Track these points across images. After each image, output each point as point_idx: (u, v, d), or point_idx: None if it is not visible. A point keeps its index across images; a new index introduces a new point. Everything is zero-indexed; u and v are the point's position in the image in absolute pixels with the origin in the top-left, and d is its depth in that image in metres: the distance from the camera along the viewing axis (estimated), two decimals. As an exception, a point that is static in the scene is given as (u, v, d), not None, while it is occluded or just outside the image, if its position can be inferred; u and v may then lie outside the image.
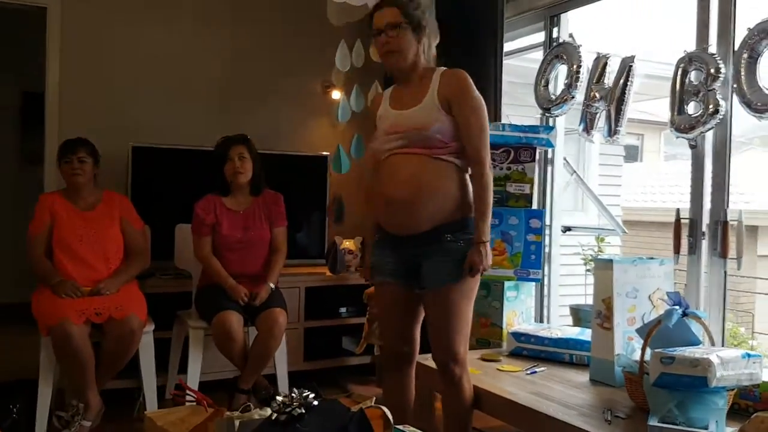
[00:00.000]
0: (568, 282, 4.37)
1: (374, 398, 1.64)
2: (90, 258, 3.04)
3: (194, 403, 1.84)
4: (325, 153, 4.12)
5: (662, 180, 9.86)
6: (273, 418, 1.51)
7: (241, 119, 4.01)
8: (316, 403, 1.52)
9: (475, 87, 2.24)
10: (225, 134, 3.37)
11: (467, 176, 2.26)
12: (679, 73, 2.66)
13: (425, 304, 2.28)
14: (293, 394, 1.52)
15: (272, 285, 3.23)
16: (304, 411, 1.49)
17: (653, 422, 1.86)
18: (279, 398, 1.52)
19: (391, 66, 2.29)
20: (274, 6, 4.20)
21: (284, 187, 3.54)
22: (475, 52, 3.55)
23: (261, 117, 4.13)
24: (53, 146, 3.61)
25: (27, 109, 5.47)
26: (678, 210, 2.77)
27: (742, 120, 2.65)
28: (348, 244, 4.01)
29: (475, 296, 2.28)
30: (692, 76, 2.64)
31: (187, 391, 1.75)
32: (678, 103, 2.66)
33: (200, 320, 3.16)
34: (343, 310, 3.97)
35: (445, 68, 2.29)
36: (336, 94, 4.21)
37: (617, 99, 2.95)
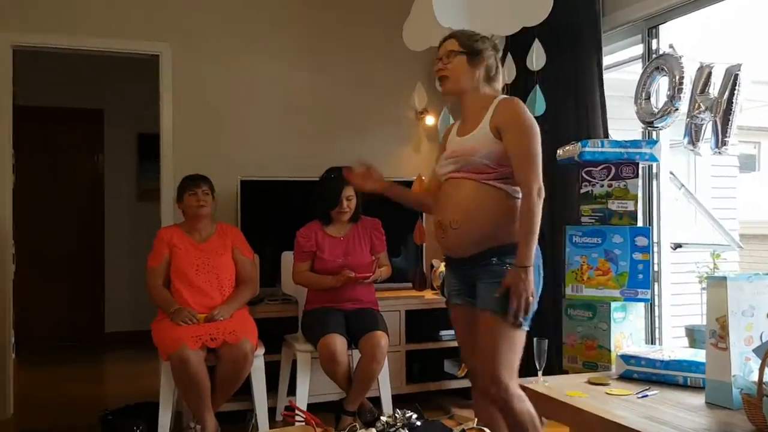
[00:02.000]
0: (682, 302, 4.16)
1: (476, 420, 1.64)
2: (205, 286, 3.24)
3: (303, 423, 1.91)
4: (423, 177, 4.17)
5: (783, 190, 9.24)
6: (377, 437, 1.55)
7: (338, 148, 4.18)
8: (418, 423, 1.55)
9: (528, 114, 2.27)
10: (325, 163, 3.50)
11: (517, 202, 2.27)
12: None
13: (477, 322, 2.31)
14: (396, 415, 1.56)
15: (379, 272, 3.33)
16: (407, 431, 1.52)
17: (777, 448, 1.75)
18: (383, 418, 1.56)
19: (443, 90, 2.42)
20: (369, 36, 4.36)
21: (380, 212, 3.63)
22: (573, 67, 3.52)
23: (357, 144, 4.28)
24: (168, 183, 3.91)
25: (142, 149, 5.91)
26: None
27: None
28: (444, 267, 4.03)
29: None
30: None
31: (297, 412, 1.82)
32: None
33: (306, 344, 3.27)
34: (443, 332, 3.97)
35: (505, 96, 2.37)
36: (430, 120, 4.27)
37: (724, 110, 2.82)
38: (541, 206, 2.21)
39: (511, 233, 2.25)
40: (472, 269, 2.30)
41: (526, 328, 2.26)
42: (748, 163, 11.08)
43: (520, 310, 2.15)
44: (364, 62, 4.36)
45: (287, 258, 3.61)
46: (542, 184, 2.23)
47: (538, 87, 3.46)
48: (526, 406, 2.28)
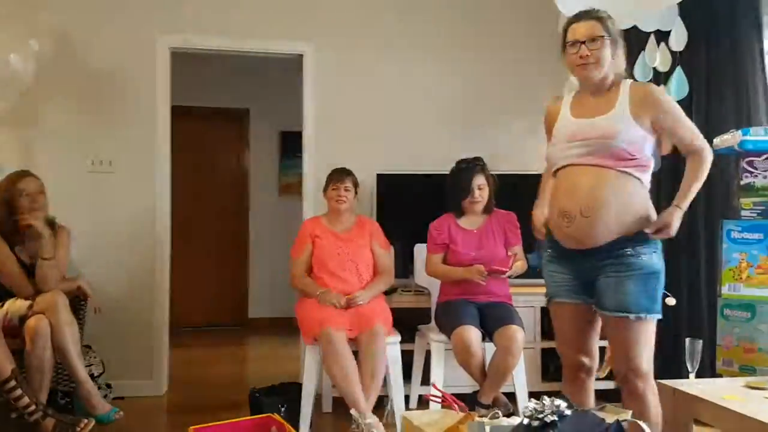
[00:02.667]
0: None
1: (631, 413, 1.58)
2: (345, 274, 3.38)
3: (441, 407, 1.93)
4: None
5: None
6: (525, 423, 1.53)
7: (476, 141, 4.16)
8: (568, 412, 1.52)
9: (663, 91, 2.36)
10: (459, 157, 3.50)
11: (648, 192, 2.25)
12: None
13: (603, 320, 2.26)
14: (544, 402, 1.54)
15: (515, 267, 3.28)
16: (556, 418, 1.49)
17: None
18: (531, 405, 1.55)
19: (585, 77, 2.30)
20: (506, 24, 4.32)
21: (518, 205, 3.56)
22: (733, 52, 3.29)
23: (494, 139, 4.25)
24: (310, 178, 4.08)
25: (284, 146, 6.21)
26: None
27: None
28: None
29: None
30: None
31: (440, 394, 1.85)
32: None
33: (440, 334, 3.29)
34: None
35: (632, 80, 2.32)
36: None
37: None
38: (711, 156, 2.26)
39: (643, 223, 2.19)
40: (598, 262, 2.21)
41: (659, 316, 2.21)
42: None
43: (659, 234, 2.17)
44: (500, 55, 4.31)
45: (420, 250, 3.66)
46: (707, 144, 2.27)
47: (679, 68, 3.27)
48: (657, 400, 2.24)
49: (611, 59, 2.26)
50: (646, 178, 2.24)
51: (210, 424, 2.01)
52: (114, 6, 3.96)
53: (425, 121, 4.25)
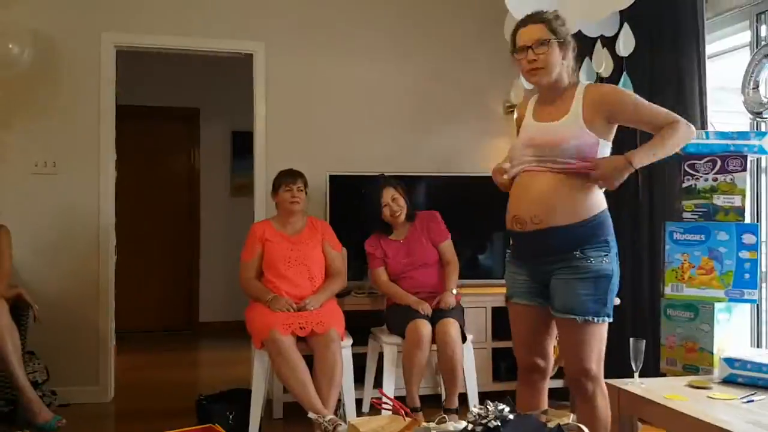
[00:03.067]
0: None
1: (572, 416, 1.59)
2: (296, 278, 3.33)
3: (391, 412, 1.92)
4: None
5: None
6: (469, 429, 1.53)
7: (424, 143, 4.17)
8: (511, 416, 1.52)
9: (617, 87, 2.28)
10: (411, 157, 3.52)
11: (601, 194, 2.22)
12: None
13: (556, 322, 2.26)
14: (488, 407, 1.53)
15: (453, 291, 3.35)
16: (499, 424, 1.49)
17: None
18: (474, 410, 1.54)
19: (535, 83, 2.29)
20: (456, 26, 4.33)
21: (465, 207, 3.59)
22: (674, 56, 3.36)
23: (444, 140, 4.27)
24: (261, 178, 4.02)
25: (236, 146, 6.11)
26: None
27: None
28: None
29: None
30: None
31: (386, 400, 1.83)
32: None
33: (393, 336, 3.29)
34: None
35: (588, 83, 2.28)
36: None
37: (842, 96, 2.62)
38: (689, 132, 2.19)
39: (594, 228, 2.18)
40: (550, 265, 2.21)
41: (609, 320, 2.21)
42: None
43: (596, 180, 2.13)
44: (451, 57, 4.32)
45: (374, 252, 3.64)
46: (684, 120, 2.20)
47: (625, 74, 3.34)
48: (606, 402, 2.25)
49: (562, 61, 2.23)
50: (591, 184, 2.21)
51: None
52: (57, 1, 3.83)
53: (377, 122, 4.23)
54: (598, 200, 2.21)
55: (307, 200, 3.49)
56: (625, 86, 3.34)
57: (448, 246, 3.49)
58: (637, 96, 2.24)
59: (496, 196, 4.00)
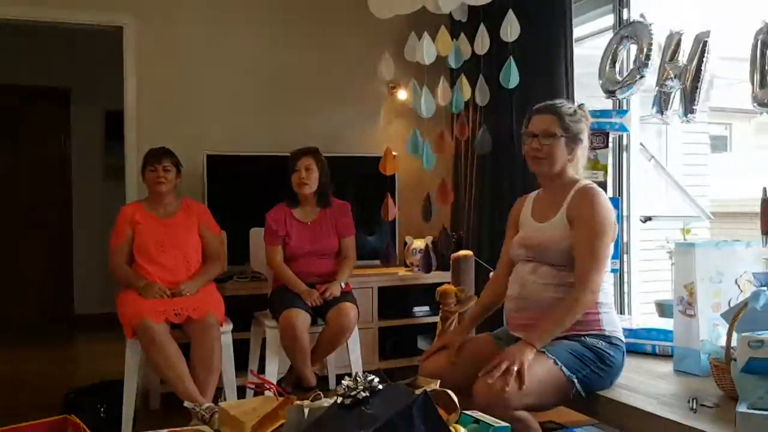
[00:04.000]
0: (652, 277, 4.18)
1: (438, 381, 1.61)
2: (170, 263, 3.17)
3: (267, 393, 1.87)
4: (394, 153, 4.10)
5: (754, 169, 9.33)
6: (339, 401, 1.51)
7: (309, 124, 4.11)
8: (380, 387, 1.51)
9: (604, 209, 2.16)
10: (293, 138, 3.44)
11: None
12: (759, 44, 2.50)
13: None
14: (357, 379, 1.52)
15: (342, 284, 3.27)
16: (368, 394, 1.48)
17: (742, 409, 1.74)
18: (344, 382, 1.52)
19: (536, 170, 2.29)
20: (339, 6, 4.26)
21: (352, 189, 3.58)
22: (544, 39, 3.49)
23: (329, 121, 4.21)
24: (132, 160, 3.81)
25: (109, 127, 5.75)
26: (765, 188, 2.60)
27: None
28: (418, 243, 4.02)
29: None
30: (773, 46, 2.47)
31: (258, 380, 1.78)
32: (759, 76, 2.49)
33: (274, 320, 3.22)
34: (416, 309, 3.95)
35: (583, 184, 2.24)
36: (402, 94, 4.22)
37: (692, 77, 2.80)
38: (587, 307, 2.11)
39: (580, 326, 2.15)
40: None
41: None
42: (719, 144, 11.19)
43: (498, 371, 1.98)
44: (334, 35, 4.27)
45: (256, 234, 3.55)
46: (599, 286, 2.12)
47: (511, 59, 3.42)
48: None
49: (567, 157, 2.23)
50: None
51: (-4, 430, 1.79)
52: None
53: (256, 101, 4.11)
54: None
55: (179, 181, 3.30)
56: (512, 72, 3.42)
57: (350, 242, 3.42)
58: (603, 226, 2.14)
59: (380, 176, 4.08)
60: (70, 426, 1.72)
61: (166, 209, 3.27)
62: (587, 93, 4.01)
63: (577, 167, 2.28)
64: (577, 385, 2.07)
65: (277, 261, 3.32)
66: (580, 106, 2.33)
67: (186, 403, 2.64)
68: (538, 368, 2.02)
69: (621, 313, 3.36)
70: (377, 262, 4.11)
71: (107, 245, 3.27)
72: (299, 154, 3.34)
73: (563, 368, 2.05)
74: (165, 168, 3.21)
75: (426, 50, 3.54)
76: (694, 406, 1.94)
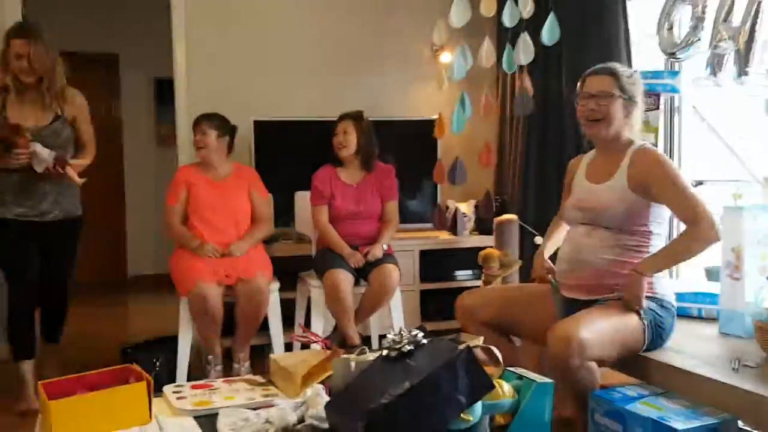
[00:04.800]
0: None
1: (482, 338, 1.65)
2: (221, 224, 3.28)
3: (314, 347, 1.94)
4: (432, 117, 4.09)
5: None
6: (384, 354, 1.56)
7: (352, 87, 4.14)
8: (425, 341, 1.56)
9: (667, 160, 2.19)
10: (338, 103, 3.48)
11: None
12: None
13: None
14: (402, 333, 1.57)
15: (384, 246, 3.33)
16: (413, 348, 1.53)
17: (786, 369, 1.74)
18: (390, 336, 1.58)
19: (593, 134, 2.28)
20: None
21: (394, 152, 3.60)
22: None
23: (372, 84, 4.22)
24: (183, 127, 3.90)
25: (160, 93, 5.88)
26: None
27: None
28: (463, 207, 4.03)
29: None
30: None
31: (305, 334, 1.85)
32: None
33: (318, 280, 3.31)
34: (458, 272, 3.98)
35: (640, 145, 2.24)
36: (446, 57, 4.19)
37: (747, 38, 2.73)
38: (707, 240, 2.11)
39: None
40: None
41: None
42: (776, 108, 10.75)
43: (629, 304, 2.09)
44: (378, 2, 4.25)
45: (300, 198, 3.62)
46: (713, 218, 2.11)
47: (552, 14, 3.36)
48: None
49: (624, 119, 2.22)
50: (647, 242, 2.20)
51: (62, 377, 1.92)
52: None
53: (302, 67, 4.15)
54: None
55: (225, 145, 3.38)
56: (551, 26, 3.37)
57: (393, 206, 3.46)
58: (679, 176, 2.16)
59: (424, 141, 4.08)
60: (133, 374, 1.83)
61: (218, 172, 3.36)
62: (638, 51, 3.92)
63: (633, 130, 2.27)
64: (646, 333, 2.10)
65: (323, 221, 3.37)
66: (635, 71, 2.31)
67: (210, 357, 2.83)
68: (615, 317, 2.06)
69: (670, 277, 3.34)
70: (418, 225, 4.14)
71: (160, 211, 3.39)
72: (340, 118, 3.40)
73: (640, 312, 2.08)
74: (203, 132, 3.30)
75: (455, 12, 3.50)
76: (737, 366, 1.95)
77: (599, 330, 1.99)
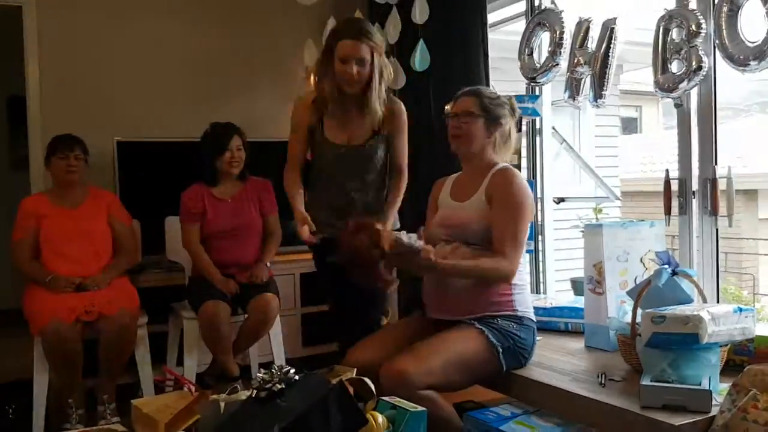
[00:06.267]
0: (568, 256, 4.33)
1: (355, 370, 1.61)
2: (79, 255, 3.04)
3: (181, 389, 1.82)
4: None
5: (661, 150, 9.83)
6: (254, 395, 1.49)
7: (222, 107, 3.97)
8: (296, 378, 1.50)
9: (523, 188, 2.23)
10: (207, 123, 3.33)
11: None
12: (661, 31, 2.60)
13: None
14: (273, 371, 1.50)
15: (269, 263, 3.23)
16: (284, 386, 1.47)
17: (646, 382, 1.83)
18: (259, 375, 1.51)
19: (456, 149, 2.35)
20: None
21: (266, 174, 3.50)
22: (459, 26, 3.52)
23: (242, 104, 4.09)
24: (37, 149, 3.61)
25: (13, 113, 5.42)
26: (667, 171, 2.73)
27: (740, 86, 2.58)
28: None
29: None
30: (674, 33, 2.58)
31: (170, 376, 1.73)
32: (661, 62, 2.60)
33: (193, 311, 3.14)
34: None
35: (502, 166, 2.30)
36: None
37: (601, 62, 2.90)
38: (500, 276, 2.17)
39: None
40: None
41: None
42: (630, 126, 11.68)
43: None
44: (250, 16, 4.15)
45: (170, 223, 3.44)
46: (518, 263, 2.19)
47: (421, 41, 3.44)
48: None
49: (486, 138, 2.29)
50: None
51: None
52: None
53: (168, 85, 3.97)
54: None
55: (88, 169, 3.17)
56: (421, 53, 3.44)
57: (275, 219, 3.34)
58: (520, 209, 2.21)
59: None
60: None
61: (73, 200, 3.12)
62: (504, 78, 4.10)
63: (498, 150, 2.35)
64: (501, 357, 2.13)
65: (193, 241, 3.19)
66: (509, 97, 2.41)
67: (70, 401, 2.62)
68: (462, 343, 2.08)
69: (537, 292, 3.47)
70: (298, 247, 4.04)
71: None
72: (227, 133, 3.22)
73: (490, 337, 2.12)
74: (76, 157, 3.07)
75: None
76: (603, 381, 2.03)
77: (428, 359, 2.02)
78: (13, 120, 5.43)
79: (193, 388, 1.73)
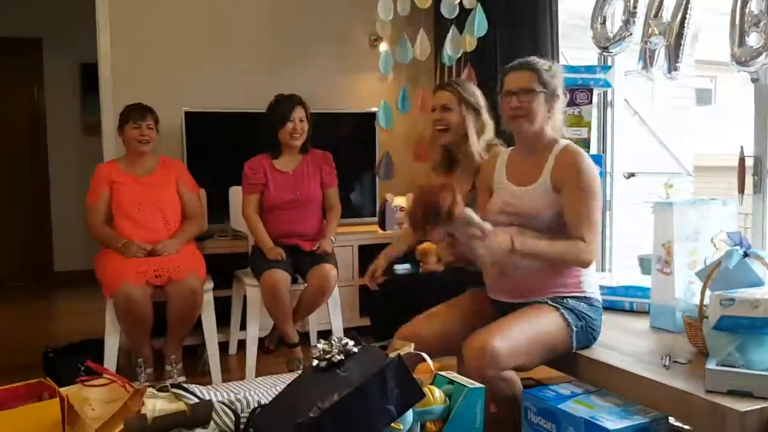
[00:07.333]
0: (635, 231, 4.19)
1: (413, 345, 1.61)
2: (149, 222, 3.13)
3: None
4: (373, 109, 4.04)
5: (736, 124, 9.35)
6: (314, 364, 1.51)
7: (288, 78, 4.01)
8: (355, 350, 1.51)
9: (590, 168, 2.11)
10: (272, 95, 3.36)
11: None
12: (739, 2, 2.46)
13: None
14: (332, 342, 1.52)
15: (333, 238, 3.26)
16: (343, 357, 1.48)
17: (711, 365, 1.77)
18: (320, 346, 1.52)
19: (515, 130, 2.23)
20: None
21: (333, 145, 3.53)
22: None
23: (308, 75, 4.11)
24: (109, 115, 3.72)
25: (85, 80, 5.60)
26: (742, 148, 2.60)
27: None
28: (399, 200, 3.99)
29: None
30: (752, 5, 2.43)
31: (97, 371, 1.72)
32: (738, 34, 2.45)
33: (255, 278, 3.21)
34: (396, 267, 3.94)
35: (564, 145, 2.19)
36: (383, 47, 4.13)
37: (676, 33, 2.76)
38: (579, 261, 2.10)
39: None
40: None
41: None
42: (705, 97, 11.17)
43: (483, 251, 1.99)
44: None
45: (235, 193, 3.51)
46: (596, 248, 2.11)
47: (479, 5, 3.34)
48: None
49: (547, 114, 2.17)
50: None
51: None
52: None
53: (235, 56, 4.01)
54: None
55: (159, 138, 3.25)
56: (479, 19, 3.34)
57: (334, 192, 3.37)
58: (590, 189, 2.10)
59: (362, 132, 4.02)
60: (46, 390, 1.71)
61: (143, 167, 3.22)
62: (573, 45, 3.95)
63: (555, 125, 2.24)
64: (574, 337, 2.09)
65: (249, 211, 3.25)
66: (554, 63, 2.30)
67: (139, 360, 2.72)
68: (543, 321, 2.05)
69: (603, 270, 3.39)
70: (357, 219, 4.08)
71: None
72: (290, 104, 3.23)
73: (567, 315, 2.07)
74: (149, 126, 3.16)
75: (382, 7, 3.47)
76: (667, 363, 1.97)
77: (516, 339, 1.97)
78: (85, 87, 5.62)
79: (127, 386, 1.69)
